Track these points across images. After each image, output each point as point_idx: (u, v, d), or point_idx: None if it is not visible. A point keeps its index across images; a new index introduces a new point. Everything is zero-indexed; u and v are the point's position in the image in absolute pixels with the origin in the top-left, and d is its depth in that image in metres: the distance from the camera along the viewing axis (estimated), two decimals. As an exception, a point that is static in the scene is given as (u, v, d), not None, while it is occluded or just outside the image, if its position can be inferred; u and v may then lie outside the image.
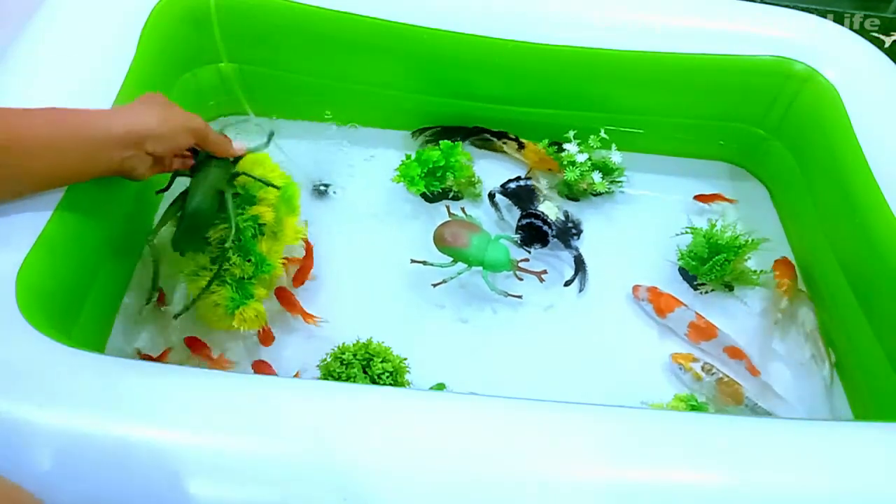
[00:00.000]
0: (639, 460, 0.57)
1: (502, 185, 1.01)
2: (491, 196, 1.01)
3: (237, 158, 0.80)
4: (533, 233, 0.95)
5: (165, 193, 0.83)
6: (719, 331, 0.90)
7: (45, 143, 0.63)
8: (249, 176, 0.81)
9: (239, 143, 0.79)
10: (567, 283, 0.95)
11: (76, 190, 0.70)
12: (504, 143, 1.06)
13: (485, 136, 1.07)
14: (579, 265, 0.97)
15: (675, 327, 0.91)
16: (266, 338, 0.84)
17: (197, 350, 0.83)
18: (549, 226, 0.94)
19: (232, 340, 0.85)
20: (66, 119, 0.65)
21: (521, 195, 1.00)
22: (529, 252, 0.95)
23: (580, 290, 0.95)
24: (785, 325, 0.93)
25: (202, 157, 0.78)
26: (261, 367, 0.82)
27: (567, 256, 0.98)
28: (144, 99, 0.72)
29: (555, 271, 0.96)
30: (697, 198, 1.06)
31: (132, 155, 0.68)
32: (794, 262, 0.99)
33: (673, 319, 0.91)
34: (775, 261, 0.98)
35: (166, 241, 0.81)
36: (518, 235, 0.95)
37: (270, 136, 0.82)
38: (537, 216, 0.95)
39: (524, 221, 0.95)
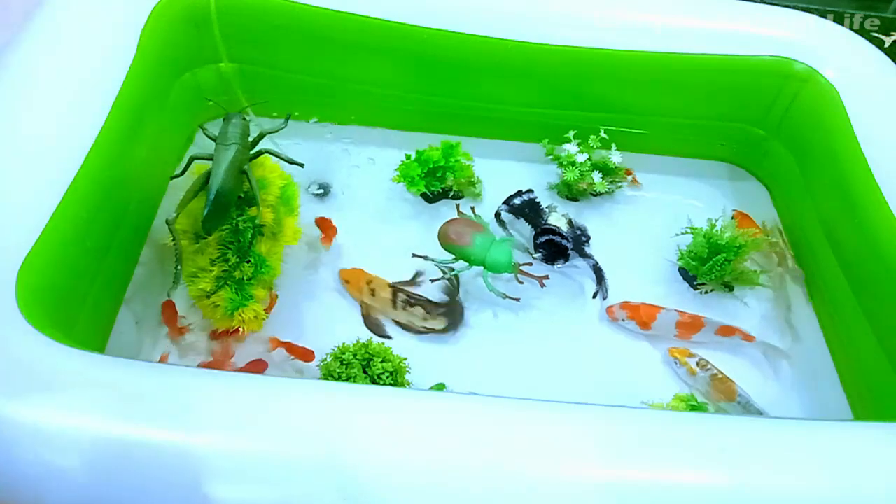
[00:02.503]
0: (639, 460, 0.57)
1: (507, 202, 0.99)
2: (497, 215, 0.98)
3: (257, 138, 0.81)
4: (553, 249, 0.93)
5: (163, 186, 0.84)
6: (705, 318, 0.89)
7: None
8: (271, 153, 0.82)
9: None
10: (595, 296, 0.93)
11: (77, 190, 0.70)
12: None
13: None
14: (599, 274, 0.95)
15: (663, 334, 0.90)
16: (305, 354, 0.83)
17: (167, 317, 0.83)
18: (567, 239, 0.93)
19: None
20: None
21: (527, 209, 0.98)
22: (553, 266, 0.93)
23: (604, 299, 0.94)
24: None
25: (220, 138, 0.78)
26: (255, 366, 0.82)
27: (573, 260, 0.96)
28: None
29: (563, 276, 0.95)
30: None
31: None
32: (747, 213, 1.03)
33: (658, 327, 0.90)
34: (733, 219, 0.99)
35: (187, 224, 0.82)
36: (539, 254, 0.93)
37: (287, 117, 0.83)
38: (553, 231, 0.93)
39: (542, 239, 0.93)
